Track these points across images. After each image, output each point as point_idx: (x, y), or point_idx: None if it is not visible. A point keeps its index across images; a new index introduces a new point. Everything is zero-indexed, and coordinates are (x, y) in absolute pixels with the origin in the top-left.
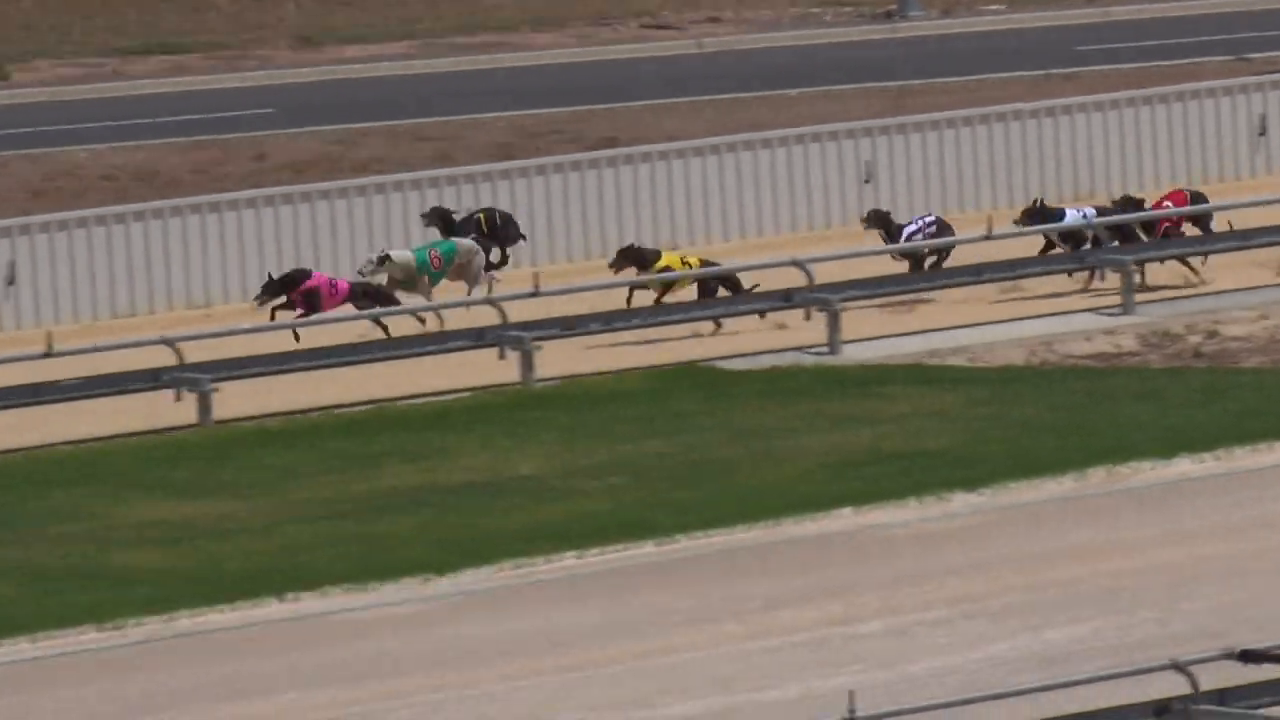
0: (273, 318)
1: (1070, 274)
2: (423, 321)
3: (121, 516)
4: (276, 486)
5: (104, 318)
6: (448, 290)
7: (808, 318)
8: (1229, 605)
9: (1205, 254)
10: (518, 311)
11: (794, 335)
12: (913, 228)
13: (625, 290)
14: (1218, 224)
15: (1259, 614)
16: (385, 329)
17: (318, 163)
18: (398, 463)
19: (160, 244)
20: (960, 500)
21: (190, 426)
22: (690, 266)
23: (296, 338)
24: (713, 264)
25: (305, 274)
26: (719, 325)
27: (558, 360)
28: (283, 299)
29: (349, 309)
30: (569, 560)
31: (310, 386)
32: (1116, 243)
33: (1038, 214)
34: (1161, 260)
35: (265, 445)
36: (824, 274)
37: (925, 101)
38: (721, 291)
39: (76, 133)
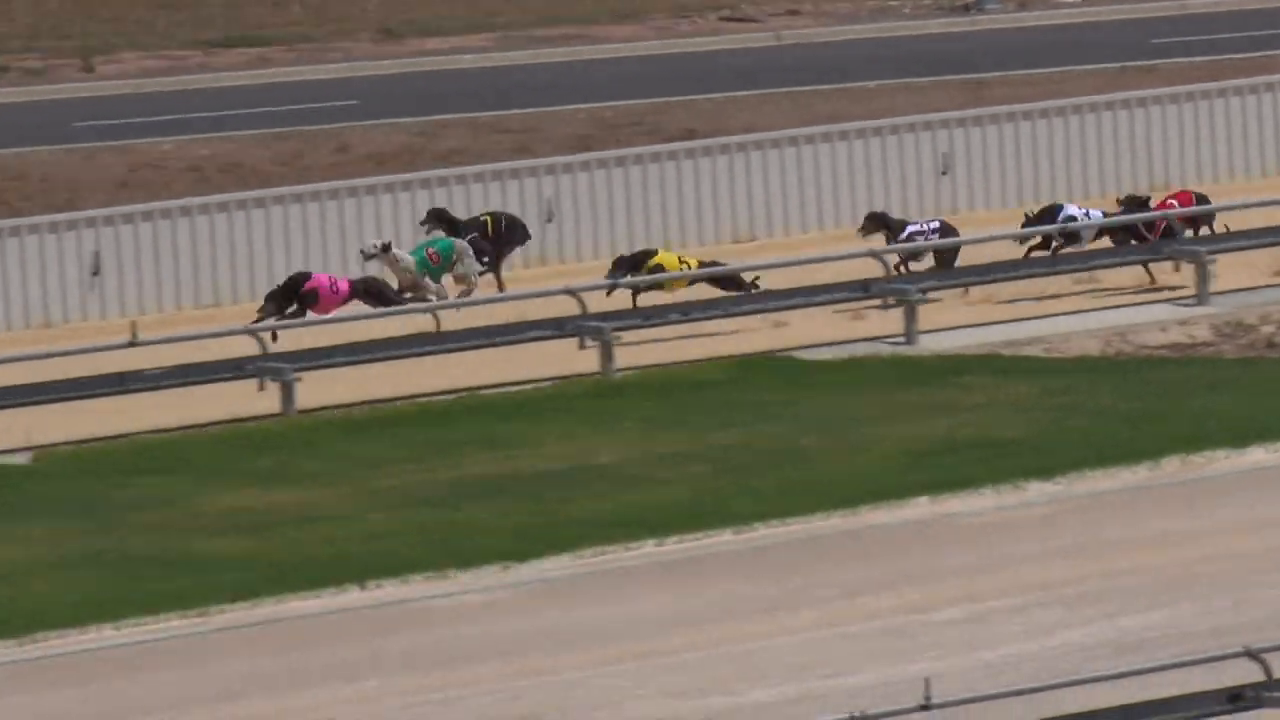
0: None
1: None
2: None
3: (206, 505)
4: (359, 475)
5: (188, 308)
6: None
7: (885, 309)
8: None
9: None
10: (597, 302)
11: (871, 326)
12: (915, 228)
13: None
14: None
15: None
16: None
17: (399, 154)
18: (479, 451)
19: (244, 235)
20: (1036, 489)
21: (274, 416)
22: (689, 267)
23: (274, 338)
24: (718, 264)
25: (305, 276)
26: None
27: (637, 350)
28: (286, 305)
29: (350, 307)
30: (648, 548)
31: (392, 376)
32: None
33: (1045, 215)
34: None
35: (348, 434)
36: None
37: (1002, 94)
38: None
39: (162, 125)
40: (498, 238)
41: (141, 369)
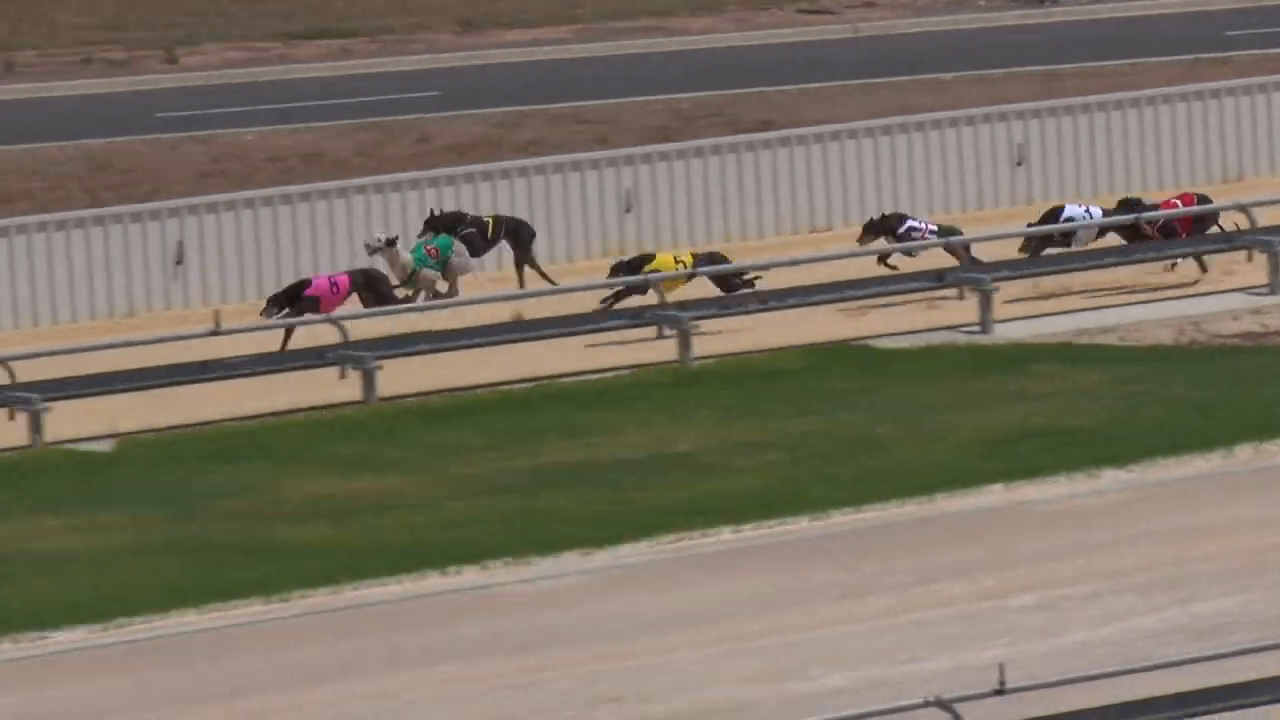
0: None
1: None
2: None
3: (287, 492)
4: (439, 462)
5: (268, 293)
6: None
7: (961, 298)
8: None
9: None
10: (674, 292)
11: (947, 315)
12: (913, 223)
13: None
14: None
15: None
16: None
17: (479, 145)
18: (558, 439)
19: (325, 224)
20: (1109, 477)
21: (355, 403)
22: (684, 265)
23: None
24: (717, 259)
25: (305, 283)
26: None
27: (715, 339)
28: (288, 309)
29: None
30: (725, 535)
31: (472, 364)
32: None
33: (1050, 216)
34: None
35: (428, 422)
36: (977, 253)
37: (1077, 85)
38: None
39: (244, 115)
40: (496, 239)
41: (224, 357)
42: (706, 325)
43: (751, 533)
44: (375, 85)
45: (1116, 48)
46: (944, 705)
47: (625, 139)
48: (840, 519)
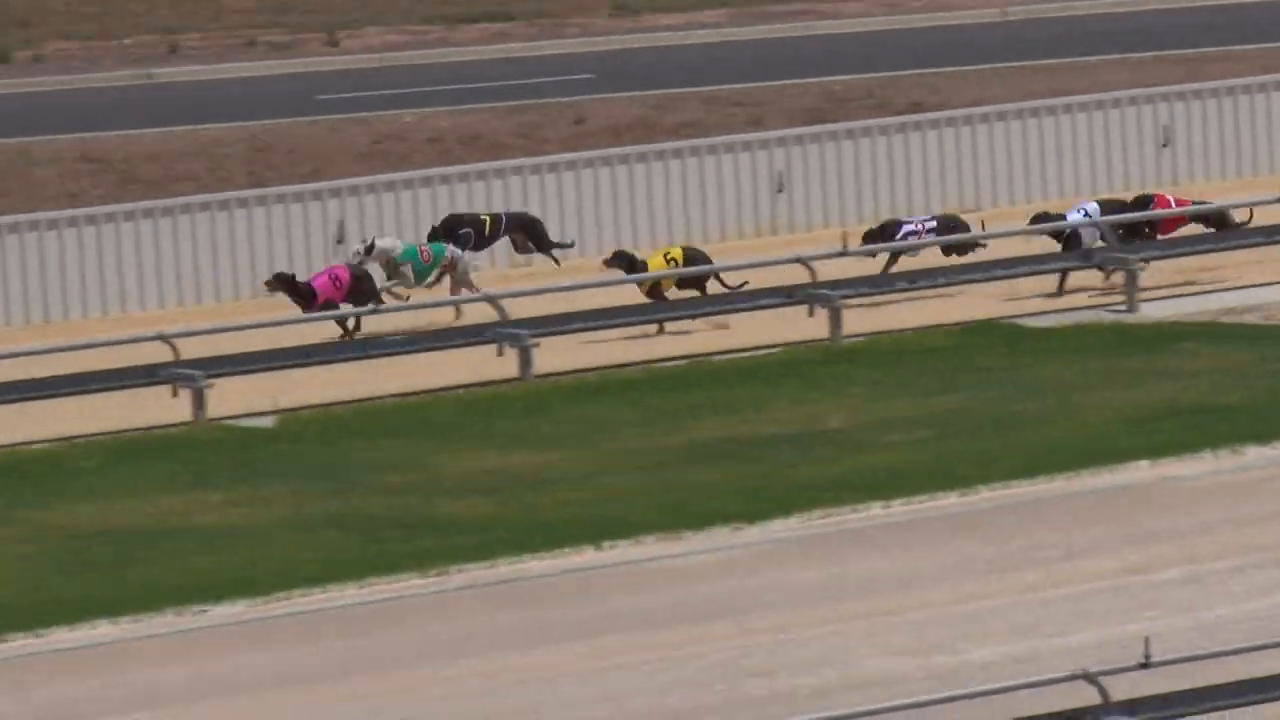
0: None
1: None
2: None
3: (445, 467)
4: (593, 438)
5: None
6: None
7: (1107, 279)
8: None
9: None
10: (825, 270)
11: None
12: (910, 227)
13: (934, 250)
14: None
15: None
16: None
17: (634, 127)
18: (710, 416)
19: (483, 205)
20: (1254, 453)
21: (511, 380)
22: (676, 262)
23: (350, 330)
24: (698, 259)
25: (310, 290)
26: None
27: (864, 316)
28: (290, 294)
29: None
30: (875, 510)
31: (625, 342)
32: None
33: (1044, 216)
34: None
35: (583, 399)
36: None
37: (1222, 69)
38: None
39: (403, 97)
40: (494, 237)
41: (383, 334)
42: (857, 302)
43: (900, 508)
44: (532, 68)
45: (1261, 31)
46: (1090, 678)
47: (778, 121)
48: (988, 495)
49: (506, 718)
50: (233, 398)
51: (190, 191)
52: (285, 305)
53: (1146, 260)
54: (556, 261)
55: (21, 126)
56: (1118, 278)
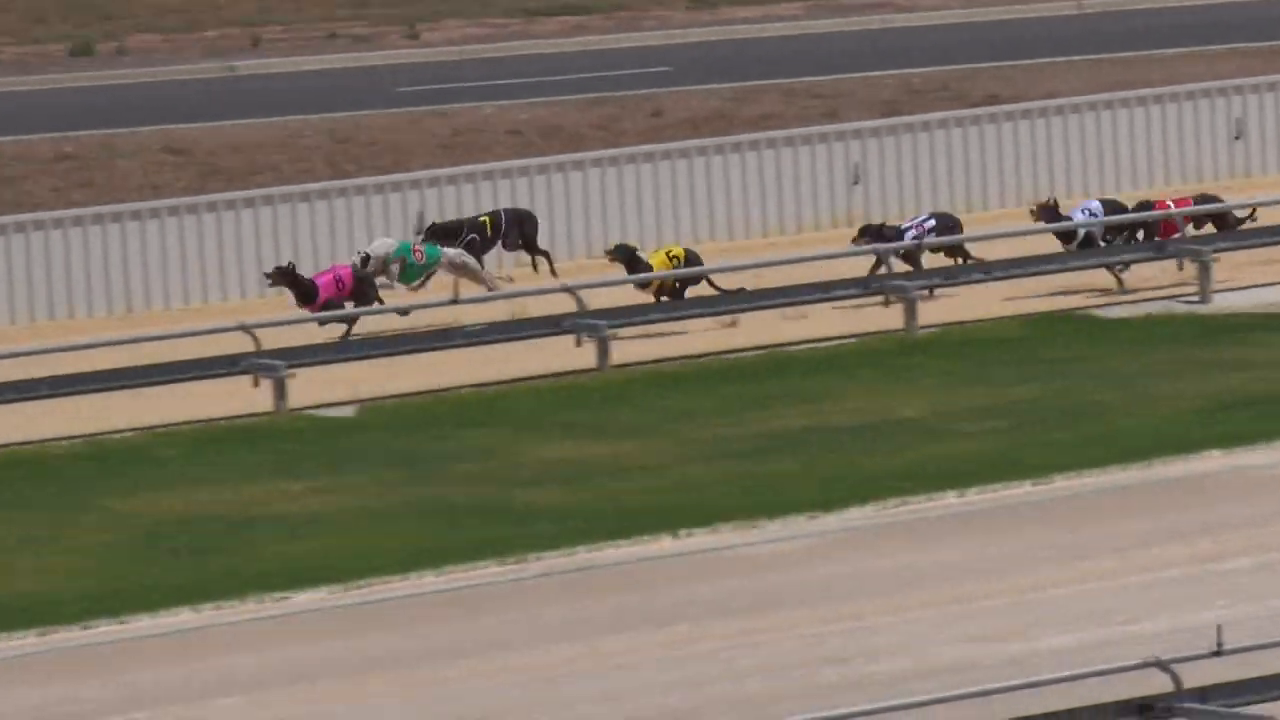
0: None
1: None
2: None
3: (524, 456)
4: (671, 427)
5: (509, 266)
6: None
7: (1180, 268)
8: None
9: None
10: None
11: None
12: (911, 233)
13: (1005, 239)
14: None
15: None
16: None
17: (712, 119)
18: (786, 405)
19: (562, 196)
20: None
21: (589, 370)
22: (677, 260)
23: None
24: (696, 259)
25: (313, 287)
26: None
27: (939, 308)
28: (287, 291)
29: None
30: (949, 499)
31: (701, 333)
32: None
33: (1053, 214)
34: None
35: (660, 388)
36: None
37: None
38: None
39: (483, 89)
40: (495, 235)
41: (462, 324)
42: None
43: (975, 497)
44: (610, 60)
45: None
46: (1163, 666)
47: (855, 113)
48: (1062, 484)
49: (584, 704)
50: (314, 388)
51: (271, 183)
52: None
53: (1220, 251)
54: (535, 266)
55: (105, 119)
56: (1190, 269)
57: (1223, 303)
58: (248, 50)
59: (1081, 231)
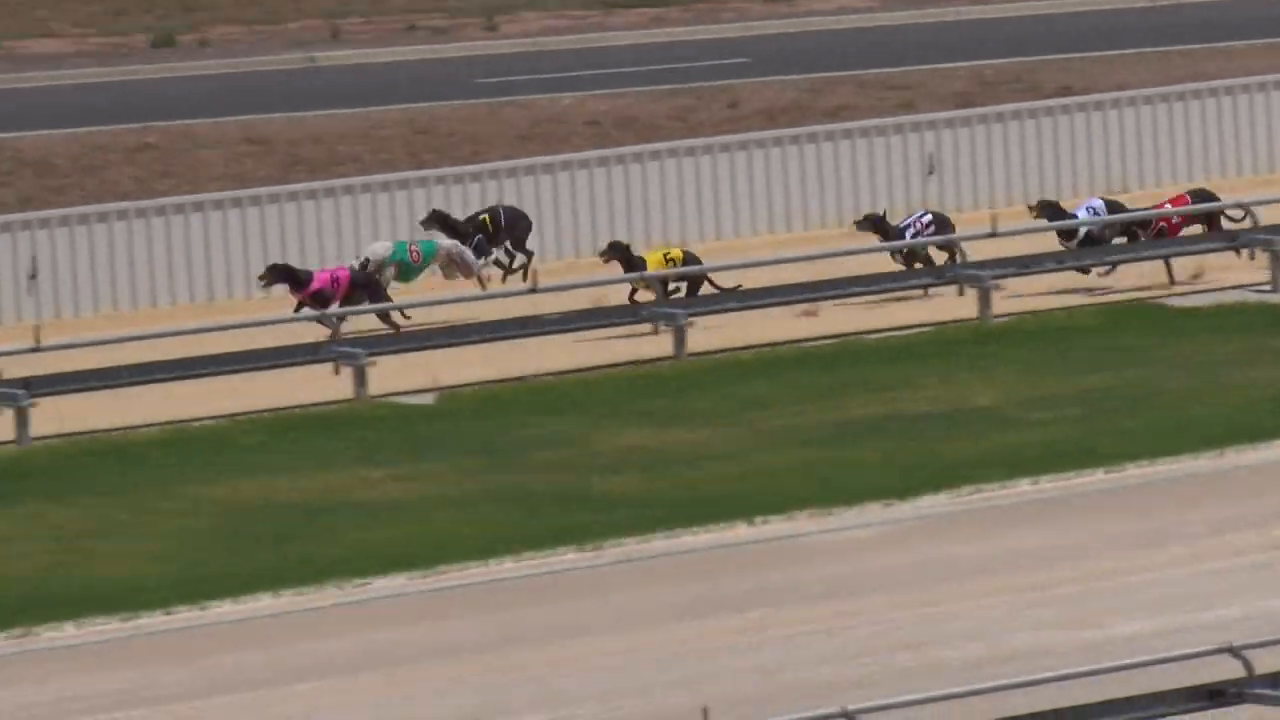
0: (299, 309)
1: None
2: (398, 323)
3: (602, 443)
4: (747, 415)
5: (586, 255)
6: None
7: (1252, 258)
8: None
9: None
10: (975, 250)
11: (1239, 275)
12: (911, 231)
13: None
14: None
15: None
16: (395, 326)
17: (788, 110)
18: (862, 394)
19: (639, 187)
20: None
21: (666, 359)
22: (674, 262)
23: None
24: (695, 260)
25: (309, 277)
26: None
27: (1014, 297)
28: (284, 289)
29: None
30: (1023, 486)
31: (777, 322)
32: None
33: (1055, 212)
34: None
35: (736, 377)
36: (1272, 215)
37: None
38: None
39: (561, 81)
40: (498, 233)
41: (541, 314)
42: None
43: (1048, 485)
44: (687, 52)
45: None
46: (1234, 652)
47: (929, 104)
48: (1134, 471)
49: (660, 690)
50: (394, 375)
51: (352, 173)
52: (444, 285)
53: None
54: (509, 267)
55: (187, 109)
56: (1261, 258)
57: None
58: (328, 42)
59: (1083, 230)
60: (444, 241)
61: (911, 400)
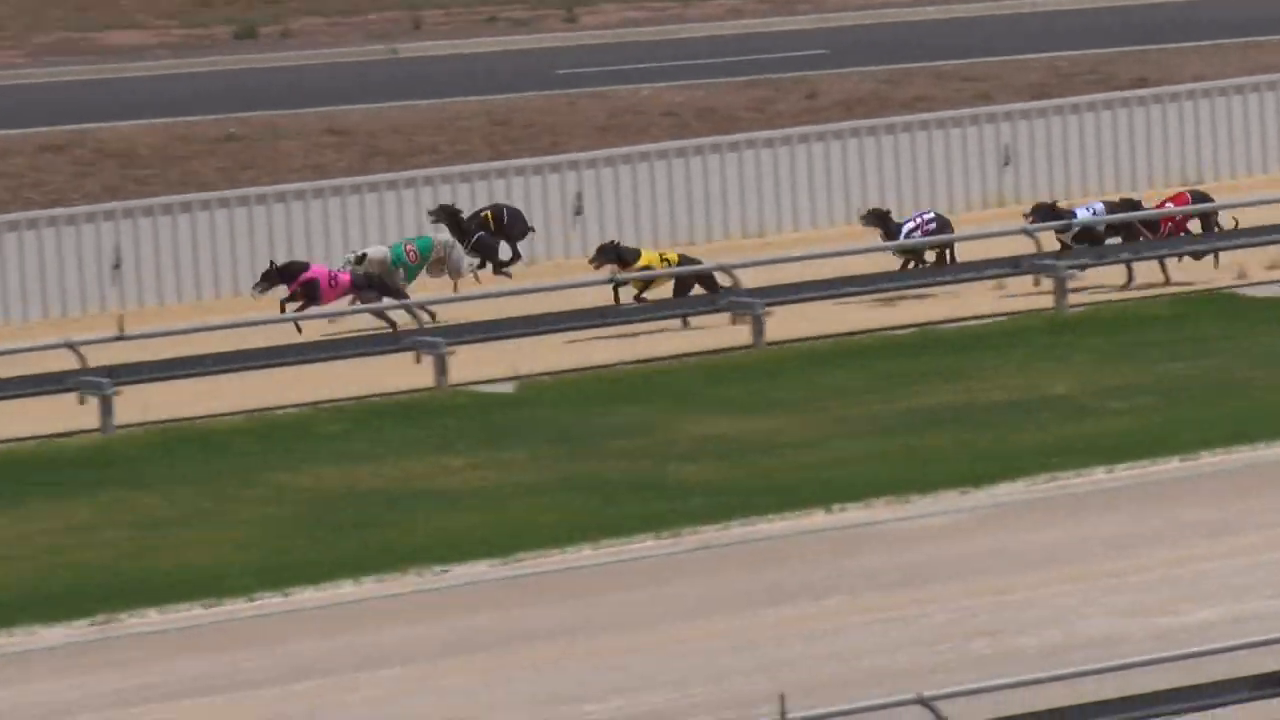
0: (283, 309)
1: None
2: (393, 325)
3: (679, 432)
4: (824, 404)
5: (663, 245)
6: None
7: None
8: None
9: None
10: (1050, 241)
11: None
12: (910, 225)
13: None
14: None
15: None
16: (393, 324)
17: (866, 101)
18: (938, 382)
19: (717, 177)
20: None
21: (744, 348)
22: (669, 263)
23: (299, 329)
24: (691, 261)
25: (303, 266)
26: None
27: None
28: (283, 289)
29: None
30: (1099, 475)
31: (856, 311)
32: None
33: (1048, 213)
34: None
35: (814, 365)
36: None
37: None
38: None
39: (640, 72)
40: (500, 231)
41: (619, 304)
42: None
43: (1124, 473)
44: (765, 43)
45: None
46: None
47: (1005, 96)
48: (1209, 460)
49: (737, 676)
50: (474, 364)
51: (431, 164)
52: (526, 274)
53: None
54: (494, 266)
55: (269, 101)
56: None
57: None
58: (409, 33)
59: (1076, 229)
60: (439, 237)
61: (988, 389)
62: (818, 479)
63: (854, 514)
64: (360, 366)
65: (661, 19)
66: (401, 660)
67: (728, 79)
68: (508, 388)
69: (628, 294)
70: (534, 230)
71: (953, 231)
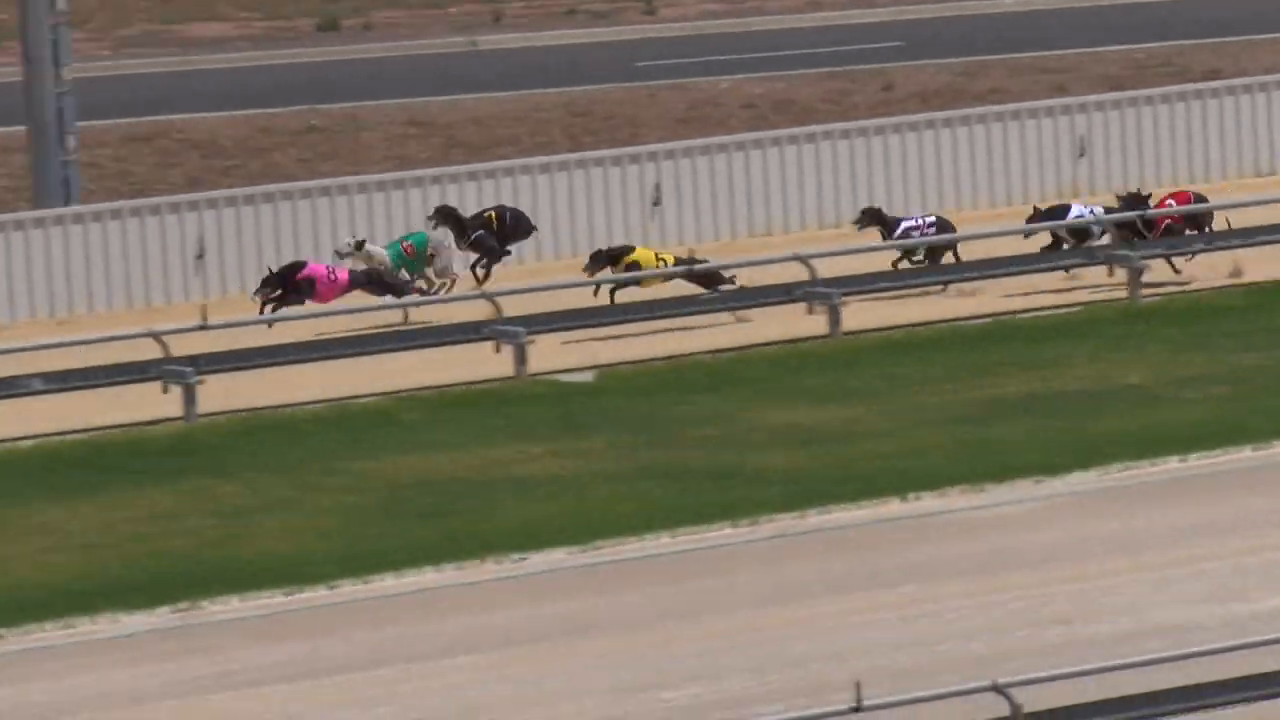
0: (264, 310)
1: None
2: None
3: (757, 421)
4: (900, 393)
5: (741, 236)
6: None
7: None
8: None
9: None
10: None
11: None
12: (910, 224)
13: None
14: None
15: None
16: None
17: (941, 93)
18: (1013, 372)
19: (795, 169)
20: None
21: (820, 337)
22: (665, 263)
23: (270, 325)
24: (689, 261)
25: (300, 265)
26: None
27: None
28: (280, 291)
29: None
30: (1172, 464)
31: (930, 302)
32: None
33: (1046, 213)
34: None
35: (889, 355)
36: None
37: None
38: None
39: (719, 64)
40: (503, 232)
41: (697, 294)
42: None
43: (1197, 462)
44: (842, 36)
45: None
46: None
47: (1080, 88)
48: None
49: (814, 663)
50: (553, 354)
51: (511, 155)
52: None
53: None
54: (488, 265)
55: (351, 92)
56: None
57: None
58: (489, 25)
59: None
60: (433, 234)
61: (1062, 379)
62: (893, 468)
63: (929, 503)
64: (440, 356)
65: (740, 11)
66: (480, 647)
67: (805, 71)
68: (587, 376)
69: (627, 294)
70: (537, 230)
71: (954, 232)
